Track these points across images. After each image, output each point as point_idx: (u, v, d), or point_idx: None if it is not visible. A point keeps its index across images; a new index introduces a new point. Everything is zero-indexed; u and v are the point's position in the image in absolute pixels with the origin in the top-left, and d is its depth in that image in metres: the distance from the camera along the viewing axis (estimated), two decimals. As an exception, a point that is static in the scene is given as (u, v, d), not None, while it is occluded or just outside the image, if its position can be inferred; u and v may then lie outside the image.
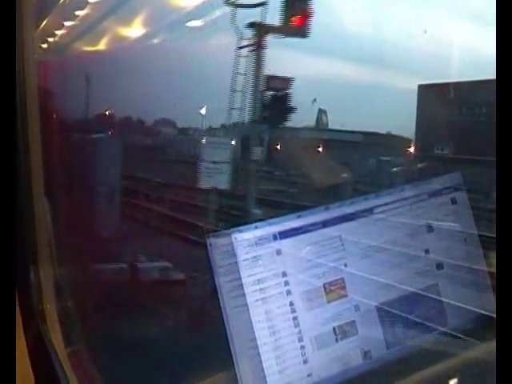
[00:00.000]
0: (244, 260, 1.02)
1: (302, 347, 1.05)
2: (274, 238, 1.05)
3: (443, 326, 1.16)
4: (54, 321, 1.27)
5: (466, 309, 1.19)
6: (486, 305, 1.17)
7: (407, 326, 1.13)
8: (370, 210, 1.13)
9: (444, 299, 1.18)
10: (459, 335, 1.13)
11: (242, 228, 1.04)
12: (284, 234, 1.06)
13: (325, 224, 1.09)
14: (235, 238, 1.03)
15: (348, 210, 1.11)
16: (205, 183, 5.44)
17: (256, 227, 1.05)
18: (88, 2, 5.30)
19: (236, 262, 1.02)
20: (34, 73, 1.47)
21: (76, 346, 1.35)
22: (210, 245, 1.01)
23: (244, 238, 1.03)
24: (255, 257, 1.03)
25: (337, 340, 1.08)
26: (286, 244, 1.06)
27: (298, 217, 1.08)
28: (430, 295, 1.17)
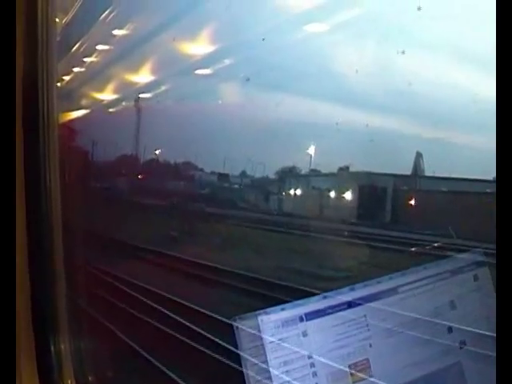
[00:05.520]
0: (270, 342, 1.02)
1: (328, 429, 1.03)
2: (301, 319, 1.05)
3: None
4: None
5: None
6: None
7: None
8: (394, 289, 1.13)
9: (467, 377, 1.17)
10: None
11: (268, 310, 1.03)
12: (310, 316, 1.06)
13: (350, 304, 1.09)
14: (261, 320, 1.02)
15: (373, 290, 1.11)
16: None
17: (283, 309, 1.05)
18: (96, 50, 5.40)
19: (262, 345, 1.01)
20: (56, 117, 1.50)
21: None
22: (237, 328, 1.01)
23: (270, 320, 1.03)
24: (281, 339, 1.03)
25: (362, 421, 1.06)
26: (312, 325, 1.05)
27: (324, 298, 1.08)
28: (453, 373, 1.16)
